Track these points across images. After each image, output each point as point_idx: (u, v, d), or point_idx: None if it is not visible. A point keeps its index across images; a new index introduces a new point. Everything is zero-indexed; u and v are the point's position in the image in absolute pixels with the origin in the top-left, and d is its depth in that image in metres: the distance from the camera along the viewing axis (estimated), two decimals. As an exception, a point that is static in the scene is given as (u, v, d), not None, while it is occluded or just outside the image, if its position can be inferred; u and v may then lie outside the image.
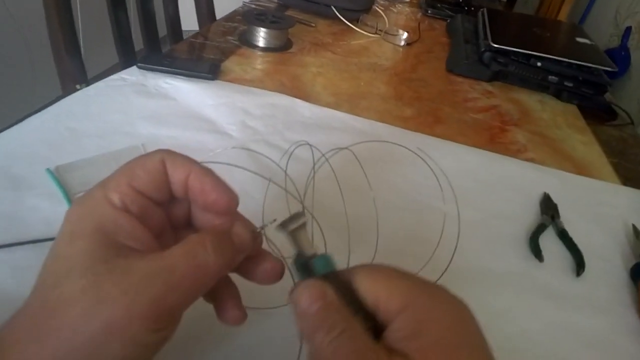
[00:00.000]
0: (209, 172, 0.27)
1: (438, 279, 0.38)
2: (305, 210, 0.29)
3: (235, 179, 0.50)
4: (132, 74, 0.65)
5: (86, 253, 0.22)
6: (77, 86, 0.65)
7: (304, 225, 0.26)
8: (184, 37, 0.91)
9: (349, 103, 0.70)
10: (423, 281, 0.26)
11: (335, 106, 0.67)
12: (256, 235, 0.27)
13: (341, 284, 0.25)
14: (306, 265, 0.26)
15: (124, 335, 0.21)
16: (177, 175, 0.26)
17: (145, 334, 0.22)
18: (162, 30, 1.01)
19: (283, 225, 0.27)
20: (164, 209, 0.27)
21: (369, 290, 0.24)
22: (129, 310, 0.21)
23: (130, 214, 0.24)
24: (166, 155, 0.26)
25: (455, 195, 0.44)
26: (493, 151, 0.64)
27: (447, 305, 0.25)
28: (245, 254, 0.27)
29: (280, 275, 0.28)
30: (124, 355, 0.21)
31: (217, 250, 0.24)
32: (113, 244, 0.23)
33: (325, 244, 0.35)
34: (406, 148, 0.44)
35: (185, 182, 0.26)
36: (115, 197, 0.24)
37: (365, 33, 0.99)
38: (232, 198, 0.26)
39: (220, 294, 0.28)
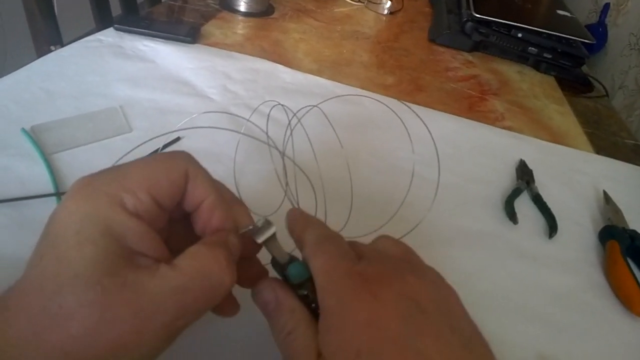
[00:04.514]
0: (221, 204, 0.25)
1: (406, 234, 0.39)
2: (286, 158, 0.29)
3: (215, 141, 0.50)
4: (108, 35, 0.63)
5: (94, 262, 0.20)
6: (52, 47, 0.63)
7: (274, 235, 0.26)
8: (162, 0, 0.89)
9: (331, 70, 0.70)
10: (359, 278, 0.24)
11: (318, 73, 0.67)
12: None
13: (313, 285, 0.26)
14: (282, 271, 0.27)
15: (131, 353, 0.21)
16: (195, 195, 0.25)
17: (151, 350, 0.22)
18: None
19: (253, 235, 0.26)
20: (169, 213, 0.25)
21: (316, 280, 0.25)
22: (139, 333, 0.21)
23: (141, 219, 0.22)
24: (190, 168, 0.24)
25: (438, 157, 0.45)
26: (472, 119, 0.65)
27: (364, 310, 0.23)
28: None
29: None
30: None
31: (230, 267, 0.23)
32: (122, 251, 0.21)
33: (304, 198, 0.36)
34: (386, 105, 0.45)
35: (198, 204, 0.25)
36: (130, 202, 0.22)
37: (349, 1, 0.98)
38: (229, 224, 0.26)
39: None
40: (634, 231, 0.48)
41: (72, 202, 0.22)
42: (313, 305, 0.25)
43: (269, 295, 0.26)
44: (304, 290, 0.26)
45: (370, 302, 0.22)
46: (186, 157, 0.25)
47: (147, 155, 0.24)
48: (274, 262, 0.27)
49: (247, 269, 0.27)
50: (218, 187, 0.26)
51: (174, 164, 0.24)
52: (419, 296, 0.23)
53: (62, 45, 0.60)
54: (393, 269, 0.25)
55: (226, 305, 0.27)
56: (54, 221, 0.22)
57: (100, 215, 0.21)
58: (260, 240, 0.26)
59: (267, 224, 0.26)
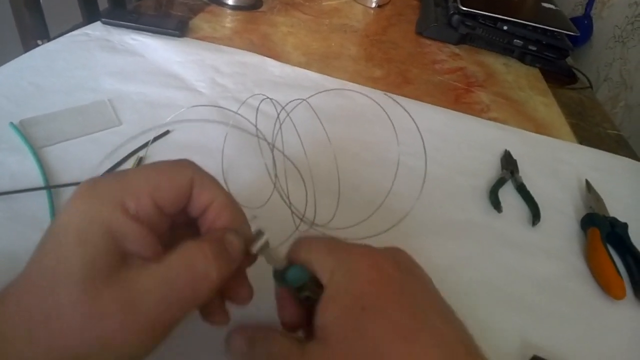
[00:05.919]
0: (228, 206, 0.26)
1: (394, 225, 0.40)
2: (275, 151, 0.29)
3: (205, 134, 0.51)
4: (96, 30, 0.63)
5: (90, 261, 0.21)
6: (39, 42, 0.62)
7: (267, 243, 0.26)
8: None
9: (319, 63, 0.70)
10: (346, 257, 0.26)
11: (306, 66, 0.68)
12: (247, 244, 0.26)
13: (314, 285, 0.26)
14: (282, 277, 0.27)
15: (119, 348, 0.21)
16: (201, 200, 0.25)
17: (139, 347, 0.22)
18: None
19: (248, 246, 0.26)
20: (171, 218, 0.26)
21: (312, 268, 0.27)
22: (125, 326, 0.21)
23: (142, 223, 0.23)
24: (196, 174, 0.25)
25: (425, 149, 0.46)
26: (458, 111, 0.66)
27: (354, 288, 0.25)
28: (237, 264, 0.25)
29: (248, 302, 0.28)
30: None
31: (218, 260, 0.24)
32: (119, 252, 0.22)
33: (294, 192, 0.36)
34: (371, 99, 0.45)
35: (205, 208, 0.25)
36: (132, 205, 0.23)
37: (336, -6, 0.98)
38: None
39: None
40: (614, 218, 0.50)
41: (75, 203, 0.23)
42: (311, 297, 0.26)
43: (236, 341, 0.26)
44: (306, 292, 0.26)
45: (374, 268, 0.26)
46: (191, 165, 0.26)
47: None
48: (274, 271, 0.27)
49: (236, 285, 0.27)
50: (226, 192, 0.26)
51: (179, 170, 0.25)
52: (412, 266, 0.27)
53: (49, 40, 0.60)
54: (384, 248, 0.28)
55: (217, 314, 0.27)
56: (58, 221, 0.22)
57: (101, 217, 0.22)
58: (254, 250, 0.26)
59: (259, 233, 0.26)
